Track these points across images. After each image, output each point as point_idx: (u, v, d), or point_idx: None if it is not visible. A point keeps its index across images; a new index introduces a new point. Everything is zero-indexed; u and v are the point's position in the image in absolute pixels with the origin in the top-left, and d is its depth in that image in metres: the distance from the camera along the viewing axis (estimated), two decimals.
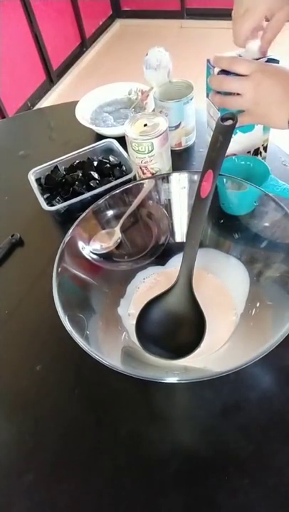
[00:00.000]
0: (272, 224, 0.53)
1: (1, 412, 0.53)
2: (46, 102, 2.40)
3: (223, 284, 0.57)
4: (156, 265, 0.61)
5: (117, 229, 0.61)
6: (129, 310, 0.56)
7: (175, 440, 0.47)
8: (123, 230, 0.62)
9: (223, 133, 0.48)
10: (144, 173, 0.71)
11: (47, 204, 0.68)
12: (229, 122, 0.48)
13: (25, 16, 2.19)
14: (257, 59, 0.58)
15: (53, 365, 0.55)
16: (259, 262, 0.55)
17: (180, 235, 0.62)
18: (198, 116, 0.79)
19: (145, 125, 0.67)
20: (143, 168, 0.70)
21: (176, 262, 0.57)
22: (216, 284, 0.57)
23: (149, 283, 0.59)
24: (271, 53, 0.59)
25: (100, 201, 0.58)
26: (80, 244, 0.56)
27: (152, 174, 0.70)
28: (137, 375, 0.42)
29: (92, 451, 0.47)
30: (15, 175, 0.83)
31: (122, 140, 0.73)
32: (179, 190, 0.60)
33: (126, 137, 0.68)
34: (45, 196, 0.70)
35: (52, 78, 2.46)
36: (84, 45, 2.71)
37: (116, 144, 0.76)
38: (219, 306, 0.54)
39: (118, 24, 2.98)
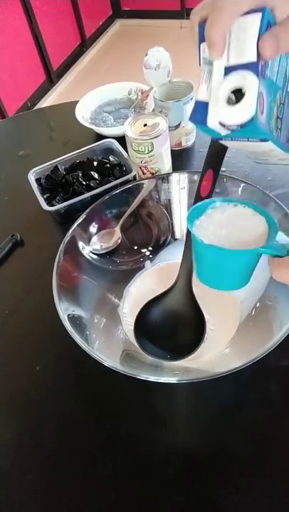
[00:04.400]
0: None
1: (1, 412, 0.53)
2: (46, 102, 2.40)
3: None
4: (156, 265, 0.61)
5: (117, 229, 0.61)
6: (128, 312, 0.56)
7: (175, 440, 0.47)
8: (123, 230, 0.62)
9: None
10: (144, 173, 0.71)
11: (47, 204, 0.68)
12: None
13: (25, 16, 2.19)
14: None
15: (53, 365, 0.55)
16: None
17: (180, 235, 0.62)
18: None
19: (145, 125, 0.67)
20: (143, 168, 0.70)
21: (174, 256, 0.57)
22: None
23: (148, 283, 0.59)
24: None
25: (100, 201, 0.58)
26: (80, 244, 0.56)
27: (152, 174, 0.70)
28: (137, 375, 0.42)
29: (92, 451, 0.47)
30: (15, 175, 0.83)
31: (122, 140, 0.73)
32: (179, 190, 0.60)
33: (126, 137, 0.68)
34: (45, 196, 0.70)
35: (52, 78, 2.46)
36: (84, 45, 2.71)
37: (116, 144, 0.76)
38: (219, 307, 0.54)
39: (118, 24, 2.97)
